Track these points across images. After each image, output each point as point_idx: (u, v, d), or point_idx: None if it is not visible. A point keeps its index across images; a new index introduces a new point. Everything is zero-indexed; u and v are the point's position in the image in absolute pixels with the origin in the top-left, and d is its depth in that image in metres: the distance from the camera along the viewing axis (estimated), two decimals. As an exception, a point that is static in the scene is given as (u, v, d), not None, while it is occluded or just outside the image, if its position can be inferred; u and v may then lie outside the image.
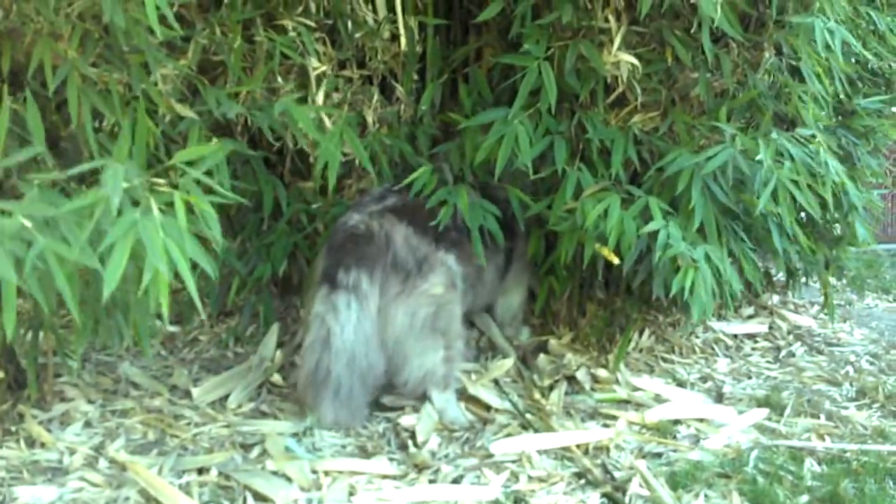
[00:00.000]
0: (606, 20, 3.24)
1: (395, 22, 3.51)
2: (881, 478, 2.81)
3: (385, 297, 3.07)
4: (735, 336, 4.30)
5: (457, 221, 3.27)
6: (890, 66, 4.22)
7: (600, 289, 3.98)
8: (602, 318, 3.91)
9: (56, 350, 3.05)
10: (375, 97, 3.58)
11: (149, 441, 2.92)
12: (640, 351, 3.93)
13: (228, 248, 3.52)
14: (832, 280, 4.77)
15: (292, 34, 3.20)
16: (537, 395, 3.37)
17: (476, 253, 3.28)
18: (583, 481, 2.76)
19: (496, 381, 3.49)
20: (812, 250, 4.10)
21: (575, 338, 3.93)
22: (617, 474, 2.79)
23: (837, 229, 4.37)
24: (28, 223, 1.93)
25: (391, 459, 2.85)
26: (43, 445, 2.82)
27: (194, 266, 2.10)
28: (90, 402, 3.17)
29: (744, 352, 4.17)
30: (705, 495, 2.67)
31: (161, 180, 2.16)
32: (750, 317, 4.59)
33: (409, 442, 2.98)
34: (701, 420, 3.25)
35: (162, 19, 2.13)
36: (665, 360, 3.90)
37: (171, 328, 3.92)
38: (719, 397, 3.54)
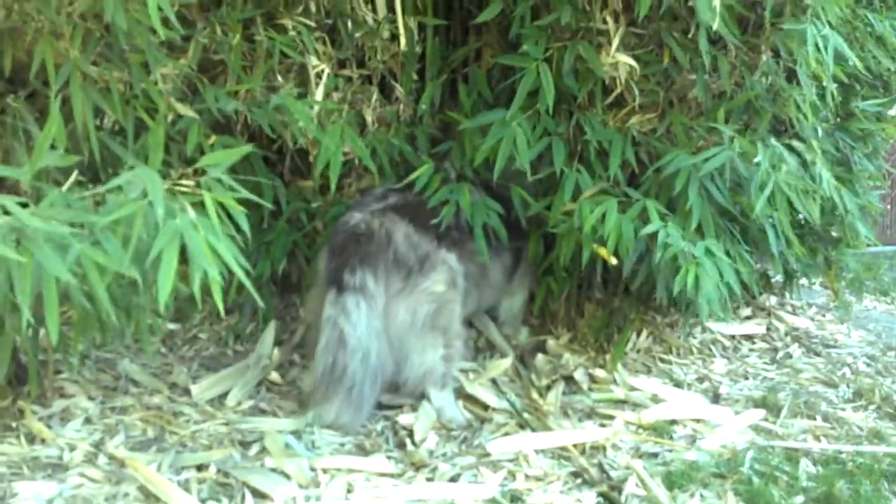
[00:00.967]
0: (605, 22, 3.26)
1: (394, 22, 3.52)
2: (876, 479, 2.82)
3: (387, 294, 3.09)
4: (732, 337, 4.31)
5: (459, 220, 3.30)
6: (889, 68, 4.23)
7: (598, 289, 3.99)
8: (600, 319, 3.92)
9: (56, 347, 3.06)
10: (375, 97, 3.60)
11: (148, 438, 2.93)
12: (638, 351, 3.95)
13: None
14: (829, 281, 4.78)
15: (292, 33, 3.21)
16: (535, 395, 3.39)
17: (480, 251, 3.30)
18: (579, 480, 2.77)
19: (494, 381, 3.50)
20: (811, 252, 4.12)
21: (573, 338, 3.95)
22: (613, 474, 2.81)
23: (834, 231, 4.38)
24: (64, 228, 1.95)
25: (389, 457, 2.87)
26: (43, 442, 2.83)
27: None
28: (90, 398, 3.18)
29: (741, 353, 4.19)
30: (701, 495, 2.68)
31: (187, 182, 2.19)
32: (747, 318, 4.61)
33: (407, 440, 2.99)
34: (697, 420, 3.26)
35: (164, 20, 2.15)
36: (662, 360, 3.91)
37: (171, 326, 3.93)
38: (716, 398, 3.55)
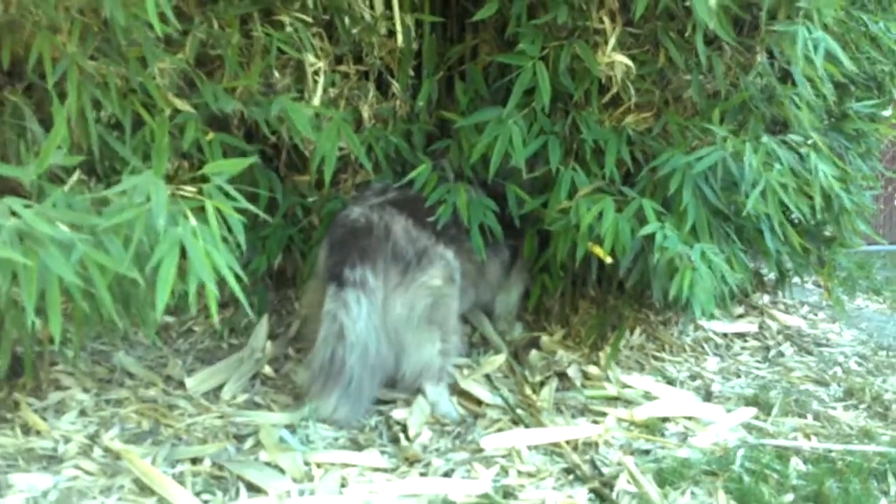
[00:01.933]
0: (601, 21, 3.28)
1: (391, 18, 3.52)
2: (865, 478, 2.85)
3: (385, 288, 3.10)
4: (725, 335, 4.34)
5: (458, 217, 3.31)
6: (882, 69, 4.25)
7: (593, 287, 4.02)
8: (595, 317, 3.94)
9: (52, 339, 3.07)
10: (371, 93, 3.61)
11: (143, 430, 2.95)
12: (631, 348, 3.97)
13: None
14: (823, 280, 4.80)
15: (289, 29, 3.21)
16: (528, 391, 3.41)
17: (476, 251, 3.32)
18: (571, 477, 2.79)
19: (488, 377, 3.52)
20: (804, 250, 4.13)
21: (567, 335, 3.97)
22: (605, 470, 2.83)
23: (829, 230, 4.40)
24: (67, 229, 1.97)
25: (383, 452, 2.89)
26: (38, 433, 2.85)
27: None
28: (85, 390, 3.19)
29: (733, 351, 4.21)
30: (692, 493, 2.71)
31: (189, 188, 2.21)
32: (740, 316, 4.63)
33: (401, 435, 3.01)
34: (689, 418, 3.29)
35: (161, 16, 2.16)
36: (655, 357, 3.93)
37: (167, 318, 3.94)
38: (708, 396, 3.58)
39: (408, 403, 3.20)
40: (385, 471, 2.75)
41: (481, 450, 2.91)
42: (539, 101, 3.25)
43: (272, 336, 3.66)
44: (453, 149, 3.48)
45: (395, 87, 3.67)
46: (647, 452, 2.99)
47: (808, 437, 3.22)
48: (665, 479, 2.76)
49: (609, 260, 3.18)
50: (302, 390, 3.23)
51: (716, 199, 3.33)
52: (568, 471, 2.83)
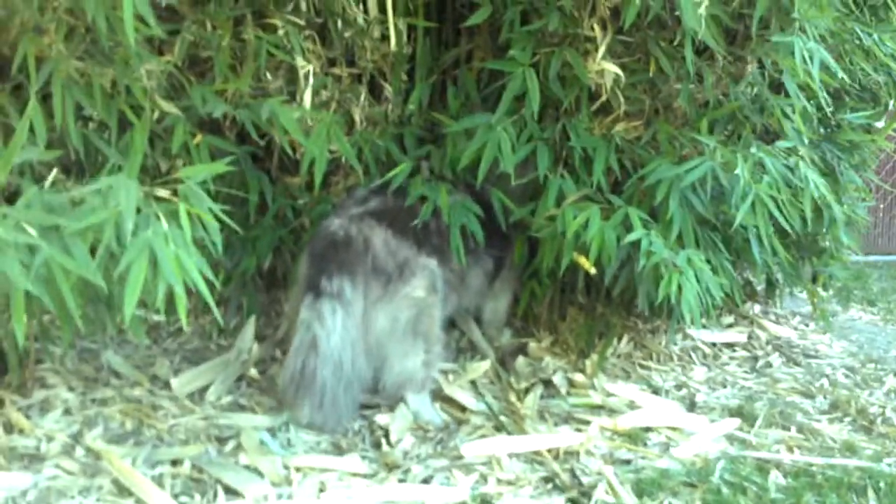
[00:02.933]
0: (592, 29, 3.27)
1: (385, 22, 3.52)
2: (844, 493, 2.85)
3: (366, 301, 3.08)
4: (713, 344, 4.33)
5: (440, 224, 3.30)
6: (877, 80, 4.24)
7: (582, 294, 4.02)
8: (584, 325, 3.95)
9: (38, 336, 3.08)
10: (363, 96, 3.61)
11: (126, 431, 2.95)
12: (618, 356, 3.97)
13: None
14: (819, 290, 4.80)
15: (281, 32, 3.22)
16: (513, 398, 3.41)
17: (456, 256, 3.31)
18: (550, 486, 2.79)
19: (473, 383, 3.53)
20: (793, 262, 4.13)
21: (555, 342, 3.97)
22: (585, 480, 2.83)
23: (821, 241, 4.40)
24: (32, 231, 1.98)
25: (364, 457, 2.89)
26: (21, 432, 2.85)
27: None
28: (71, 389, 3.19)
29: (721, 360, 4.21)
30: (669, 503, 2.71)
31: (163, 190, 2.21)
32: (730, 326, 4.63)
33: (383, 440, 3.01)
34: (672, 428, 3.28)
35: (142, 19, 2.16)
36: (642, 366, 3.93)
37: (156, 318, 3.94)
38: (692, 406, 3.57)
39: (391, 408, 3.20)
40: (364, 476, 2.76)
41: (461, 456, 2.91)
42: (529, 108, 3.25)
43: (260, 338, 3.67)
44: (439, 153, 3.47)
45: (388, 90, 3.68)
46: (627, 462, 2.99)
47: (790, 449, 3.21)
48: (643, 489, 2.75)
49: (593, 271, 3.19)
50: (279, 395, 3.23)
51: (703, 209, 3.33)
52: (547, 479, 2.83)
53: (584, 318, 3.97)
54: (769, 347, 4.46)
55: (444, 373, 3.50)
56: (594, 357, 3.75)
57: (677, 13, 3.11)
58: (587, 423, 3.26)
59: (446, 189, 3.32)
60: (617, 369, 3.85)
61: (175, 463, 2.73)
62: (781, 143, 3.44)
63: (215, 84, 3.11)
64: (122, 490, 2.55)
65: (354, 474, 2.76)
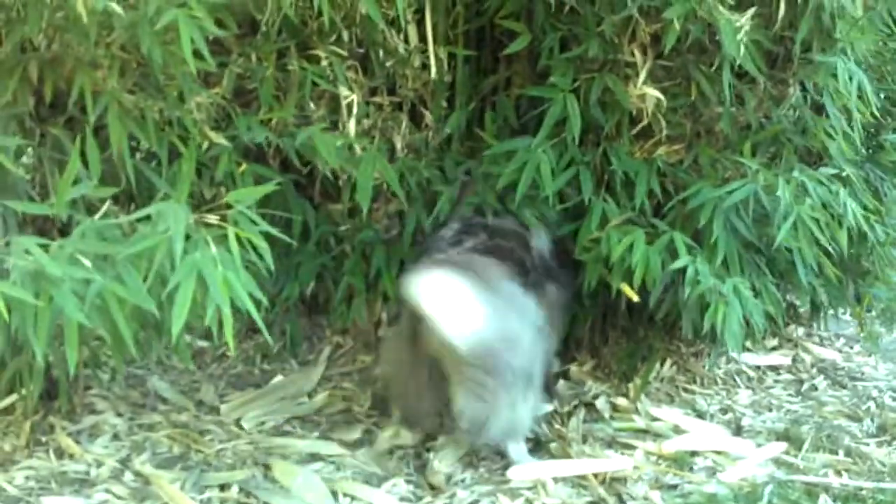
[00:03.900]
0: (633, 54, 3.29)
1: (425, 51, 3.57)
2: (896, 517, 2.82)
3: None
4: (758, 368, 4.29)
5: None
6: (919, 101, 4.21)
7: (623, 317, 4.00)
8: (626, 348, 3.93)
9: (87, 362, 3.13)
10: (404, 123, 3.64)
11: (174, 455, 2.99)
12: (661, 380, 3.94)
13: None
14: (856, 313, 4.74)
15: (324, 63, 3.27)
16: (556, 423, 3.41)
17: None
18: (596, 510, 2.79)
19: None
20: (839, 282, 4.09)
21: (597, 365, 3.96)
22: (631, 504, 2.82)
23: (864, 262, 4.35)
24: (87, 262, 2.03)
25: (408, 481, 2.90)
26: (71, 457, 2.91)
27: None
28: (119, 414, 3.25)
29: (766, 384, 4.17)
30: (718, 529, 2.69)
31: (212, 216, 2.26)
32: (774, 348, 4.58)
33: (429, 465, 3.02)
34: (718, 452, 3.26)
35: (197, 53, 2.22)
36: (686, 390, 3.91)
37: (201, 343, 4.00)
38: (738, 430, 3.54)
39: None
40: (409, 501, 2.77)
41: (508, 481, 2.91)
42: (570, 133, 3.26)
43: (302, 363, 3.70)
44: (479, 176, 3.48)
45: (428, 118, 3.71)
46: (674, 487, 2.98)
47: (838, 473, 3.17)
48: (692, 515, 2.74)
49: (636, 299, 3.18)
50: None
51: (747, 232, 3.32)
52: (593, 504, 2.83)
53: (627, 341, 3.95)
54: (814, 370, 4.41)
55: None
56: (637, 381, 3.74)
57: (718, 38, 3.12)
58: (632, 447, 3.25)
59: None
60: (660, 393, 3.83)
61: (223, 487, 2.77)
62: (825, 170, 3.42)
63: (260, 114, 3.16)
64: (172, 514, 2.59)
65: (401, 499, 2.77)
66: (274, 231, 2.38)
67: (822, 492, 2.97)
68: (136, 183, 2.57)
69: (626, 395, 3.66)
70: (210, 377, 3.72)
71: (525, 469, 2.97)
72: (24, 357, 2.60)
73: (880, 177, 4.18)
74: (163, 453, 3.01)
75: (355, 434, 3.27)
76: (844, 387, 4.25)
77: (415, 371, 3.05)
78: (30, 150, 2.65)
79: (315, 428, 3.28)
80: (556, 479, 2.95)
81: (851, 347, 4.91)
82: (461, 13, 3.61)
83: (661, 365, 4.02)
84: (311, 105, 3.36)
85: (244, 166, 2.97)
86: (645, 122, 3.37)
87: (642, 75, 3.28)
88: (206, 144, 2.81)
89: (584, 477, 2.98)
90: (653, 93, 3.26)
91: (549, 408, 3.51)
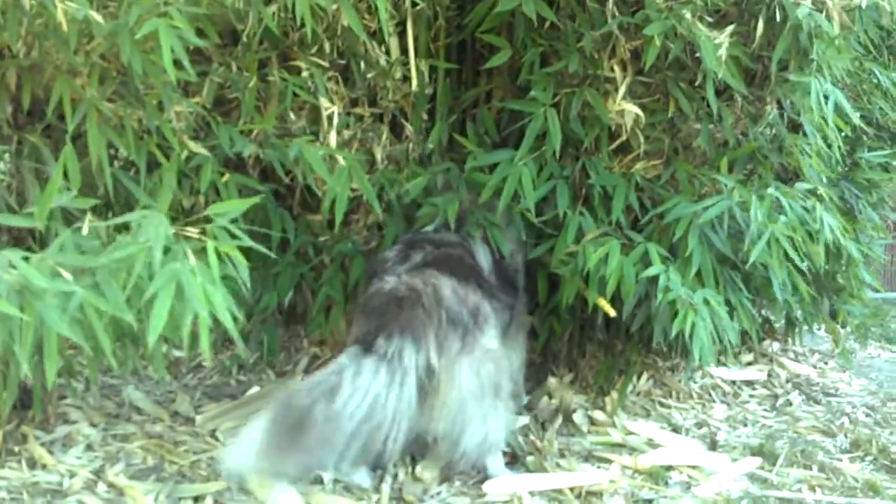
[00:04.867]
0: (612, 70, 3.32)
1: (407, 64, 3.58)
2: (868, 532, 2.84)
3: (445, 358, 2.80)
4: (733, 382, 4.33)
5: (483, 263, 3.24)
6: (895, 120, 4.28)
7: (601, 331, 4.02)
8: (604, 362, 3.95)
9: (61, 372, 3.10)
10: (385, 135, 3.65)
11: (148, 466, 2.97)
12: (638, 394, 3.97)
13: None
14: (831, 330, 4.79)
15: (305, 74, 3.27)
16: (532, 436, 3.41)
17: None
18: (572, 524, 2.80)
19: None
20: (813, 299, 4.13)
21: (574, 378, 3.97)
22: (606, 519, 2.83)
23: (839, 279, 4.40)
24: (67, 274, 2.02)
25: (384, 496, 2.89)
26: (44, 467, 2.88)
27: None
28: (93, 425, 3.22)
29: (741, 399, 4.20)
30: (693, 543, 2.70)
31: (192, 229, 2.25)
32: (749, 364, 4.63)
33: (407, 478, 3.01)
34: (693, 467, 3.27)
35: (177, 62, 2.22)
36: (662, 404, 3.93)
37: (177, 353, 3.97)
38: (713, 444, 3.56)
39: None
40: (386, 514, 2.76)
41: (484, 494, 2.91)
42: (549, 147, 3.28)
43: (280, 373, 3.69)
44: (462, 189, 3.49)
45: (409, 129, 3.72)
46: (650, 501, 2.98)
47: (812, 488, 3.19)
48: (666, 529, 2.75)
49: (613, 313, 3.20)
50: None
51: (722, 247, 3.35)
52: (569, 518, 2.83)
53: (604, 354, 3.97)
54: (789, 385, 4.45)
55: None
56: (614, 394, 3.76)
57: (697, 55, 3.16)
58: (608, 461, 3.26)
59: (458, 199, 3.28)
60: (637, 407, 3.85)
61: (197, 499, 2.75)
62: (801, 185, 3.46)
63: (240, 124, 3.15)
64: (145, 526, 2.57)
65: (376, 512, 2.76)
66: (253, 244, 2.37)
67: (795, 507, 3.00)
68: (113, 192, 2.56)
69: (602, 409, 3.68)
70: (186, 388, 3.70)
71: (501, 483, 2.97)
72: (-3, 367, 2.58)
73: (856, 195, 4.24)
74: (137, 464, 2.98)
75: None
76: (819, 402, 4.29)
77: None
78: (6, 156, 2.64)
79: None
80: (532, 493, 2.95)
81: (826, 363, 4.97)
82: (442, 26, 3.64)
83: (638, 379, 4.04)
84: (292, 115, 3.36)
85: (227, 176, 2.95)
86: (624, 137, 3.41)
87: (622, 91, 3.31)
88: (185, 154, 2.80)
89: (560, 491, 2.98)
90: (632, 108, 3.29)
91: (524, 420, 3.51)
